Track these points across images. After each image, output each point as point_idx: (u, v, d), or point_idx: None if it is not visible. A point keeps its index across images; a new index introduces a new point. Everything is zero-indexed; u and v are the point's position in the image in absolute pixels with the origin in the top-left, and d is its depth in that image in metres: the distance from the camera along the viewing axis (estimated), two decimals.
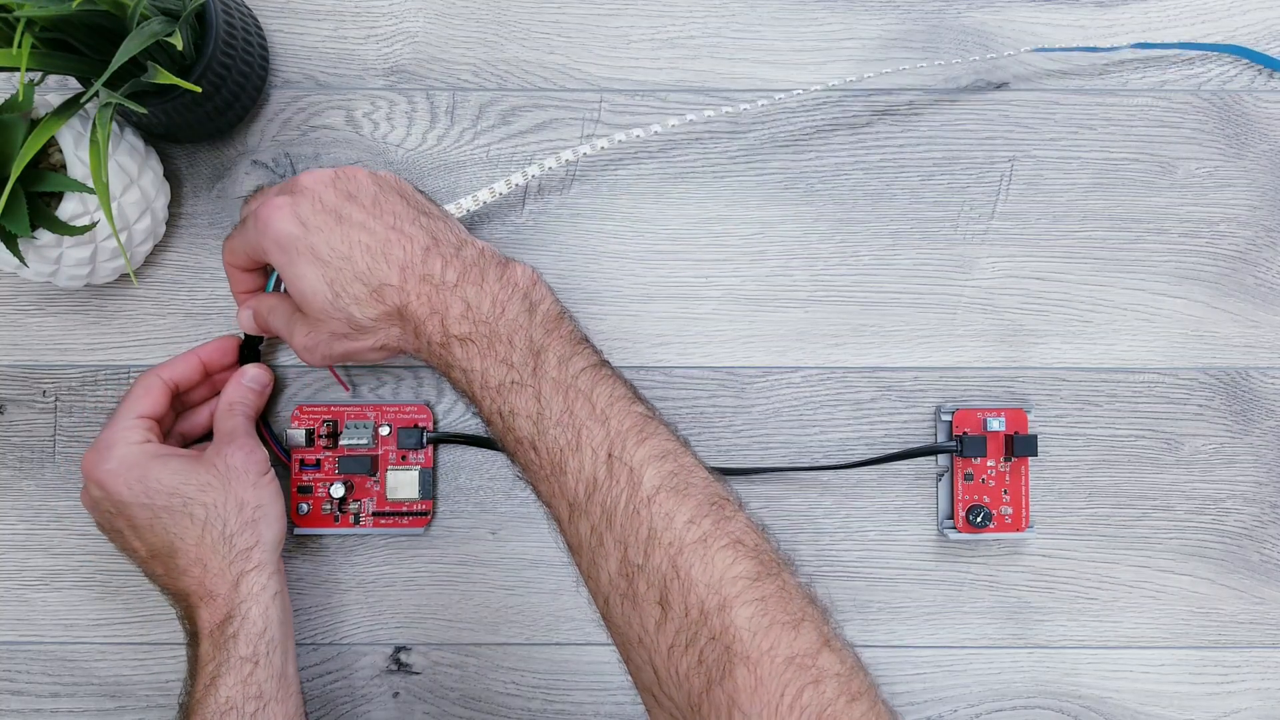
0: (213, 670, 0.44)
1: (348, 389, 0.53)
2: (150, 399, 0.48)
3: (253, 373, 0.50)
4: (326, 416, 0.52)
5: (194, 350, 0.50)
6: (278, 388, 0.53)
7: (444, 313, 0.41)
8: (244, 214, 0.47)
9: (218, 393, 0.51)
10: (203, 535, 0.45)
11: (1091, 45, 0.53)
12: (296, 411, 0.52)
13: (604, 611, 0.39)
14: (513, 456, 0.42)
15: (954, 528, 0.52)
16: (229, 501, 0.46)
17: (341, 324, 0.43)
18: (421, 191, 0.46)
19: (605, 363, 0.42)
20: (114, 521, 0.46)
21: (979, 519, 0.51)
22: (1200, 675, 0.53)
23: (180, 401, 0.50)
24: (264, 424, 0.52)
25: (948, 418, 0.52)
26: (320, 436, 0.52)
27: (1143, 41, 0.53)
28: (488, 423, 0.42)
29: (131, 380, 0.52)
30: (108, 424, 0.47)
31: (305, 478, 0.51)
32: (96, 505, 0.47)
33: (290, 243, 0.43)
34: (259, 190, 0.48)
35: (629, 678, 0.39)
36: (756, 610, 0.35)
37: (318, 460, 0.52)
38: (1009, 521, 0.51)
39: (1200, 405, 0.53)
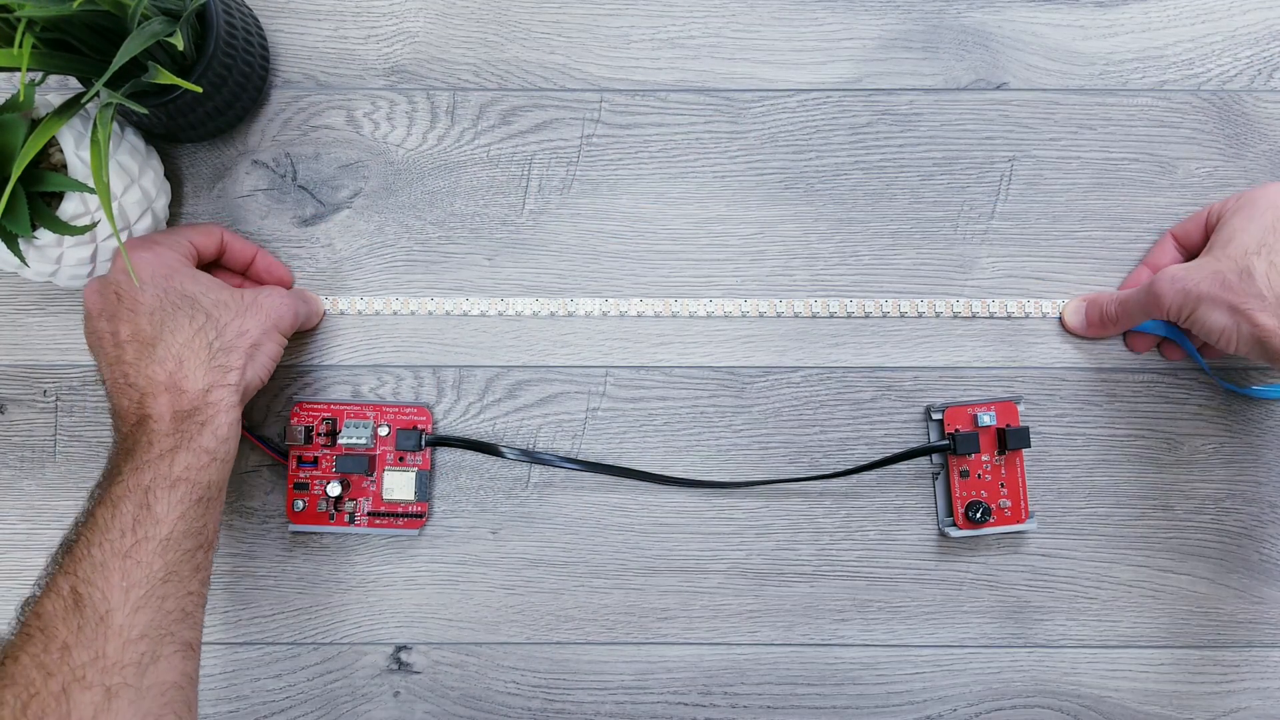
0: (171, 445, 0.42)
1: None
2: (206, 241, 0.50)
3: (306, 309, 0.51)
4: (326, 414, 0.52)
5: (254, 244, 0.53)
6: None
7: None
8: None
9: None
10: (192, 339, 0.44)
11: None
12: (296, 409, 0.52)
13: None
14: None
15: (954, 525, 0.52)
16: (233, 324, 0.45)
17: None
18: None
19: None
20: (115, 306, 0.45)
21: (979, 514, 0.51)
22: (1200, 675, 0.53)
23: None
24: (247, 430, 0.50)
25: (938, 417, 0.52)
26: (319, 434, 0.52)
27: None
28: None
29: None
30: (157, 234, 0.49)
31: (302, 475, 0.51)
32: (104, 285, 0.45)
33: None
34: None
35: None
36: None
37: (315, 458, 0.52)
38: (1009, 514, 0.51)
39: (1200, 405, 0.53)
